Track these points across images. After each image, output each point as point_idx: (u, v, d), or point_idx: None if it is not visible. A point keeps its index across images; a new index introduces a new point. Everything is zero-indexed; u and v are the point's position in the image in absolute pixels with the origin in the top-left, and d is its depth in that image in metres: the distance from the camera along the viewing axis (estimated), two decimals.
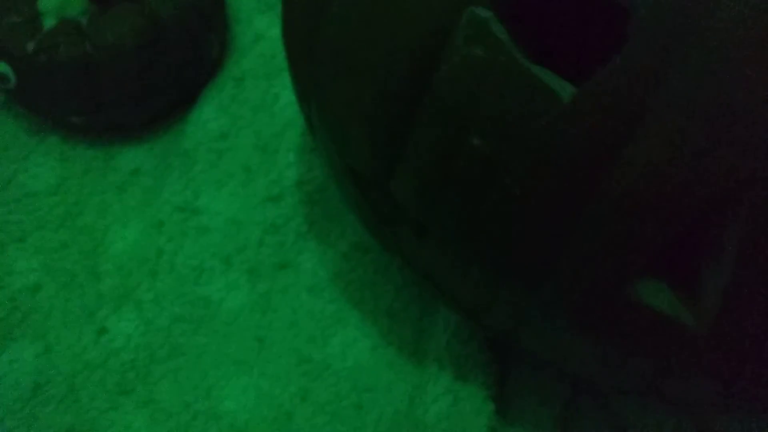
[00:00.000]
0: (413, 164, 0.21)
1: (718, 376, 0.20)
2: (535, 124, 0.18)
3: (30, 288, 0.34)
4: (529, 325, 0.24)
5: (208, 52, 0.38)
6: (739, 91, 0.16)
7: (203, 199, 0.36)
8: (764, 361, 0.19)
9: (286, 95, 0.38)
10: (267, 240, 0.35)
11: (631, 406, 0.29)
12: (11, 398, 0.31)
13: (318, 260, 0.34)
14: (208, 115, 0.37)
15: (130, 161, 0.37)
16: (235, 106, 0.38)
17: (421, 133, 0.21)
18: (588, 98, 0.17)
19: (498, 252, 0.21)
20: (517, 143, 0.19)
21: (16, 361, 0.32)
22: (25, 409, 0.31)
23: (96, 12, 0.35)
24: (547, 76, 0.18)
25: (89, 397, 0.31)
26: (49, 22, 0.35)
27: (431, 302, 0.32)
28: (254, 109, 0.38)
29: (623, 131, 0.17)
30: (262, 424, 0.30)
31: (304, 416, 0.30)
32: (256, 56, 0.39)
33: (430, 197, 0.21)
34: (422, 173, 0.21)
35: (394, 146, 0.22)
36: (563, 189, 0.18)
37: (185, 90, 0.38)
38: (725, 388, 0.20)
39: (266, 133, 0.37)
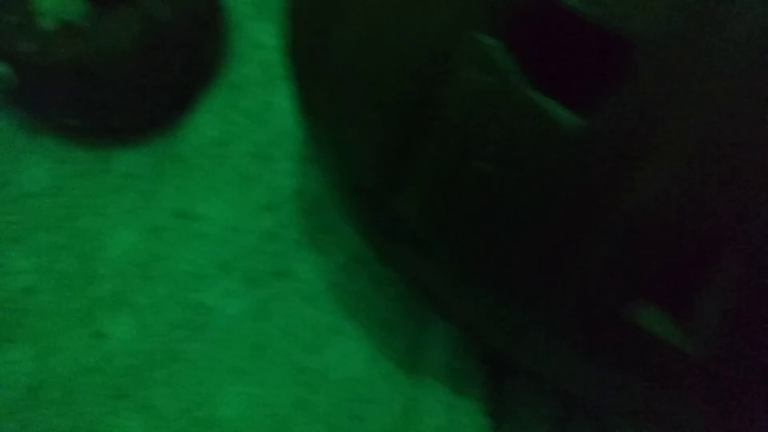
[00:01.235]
0: (419, 184, 0.22)
1: (711, 401, 0.21)
2: (538, 153, 0.19)
3: (26, 290, 0.34)
4: (527, 343, 0.25)
5: (205, 58, 0.38)
6: (738, 130, 0.17)
7: (200, 205, 0.36)
8: (757, 388, 0.20)
9: (283, 104, 0.38)
10: (264, 248, 0.35)
11: (625, 425, 0.30)
12: (8, 400, 0.31)
13: (315, 270, 0.35)
14: (205, 121, 0.38)
15: (126, 165, 0.38)
16: (231, 113, 0.38)
17: (426, 155, 0.21)
18: (591, 131, 0.18)
19: (501, 273, 0.22)
20: (521, 169, 0.19)
21: (12, 362, 0.32)
22: (21, 411, 0.31)
23: (94, 15, 0.35)
24: (551, 106, 0.19)
25: (86, 401, 0.31)
26: (46, 24, 0.35)
27: (426, 315, 0.33)
28: (251, 117, 0.38)
29: (625, 164, 0.18)
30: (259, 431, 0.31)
31: (301, 425, 0.31)
32: (254, 64, 0.39)
33: (434, 217, 0.22)
34: (427, 193, 0.22)
35: (400, 165, 0.23)
36: (566, 215, 0.19)
37: (181, 95, 0.38)
38: (718, 412, 0.21)
39: (263, 141, 0.37)
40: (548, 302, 0.21)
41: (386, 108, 0.22)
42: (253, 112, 0.38)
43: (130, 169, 0.37)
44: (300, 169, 0.37)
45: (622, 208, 0.19)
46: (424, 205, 0.22)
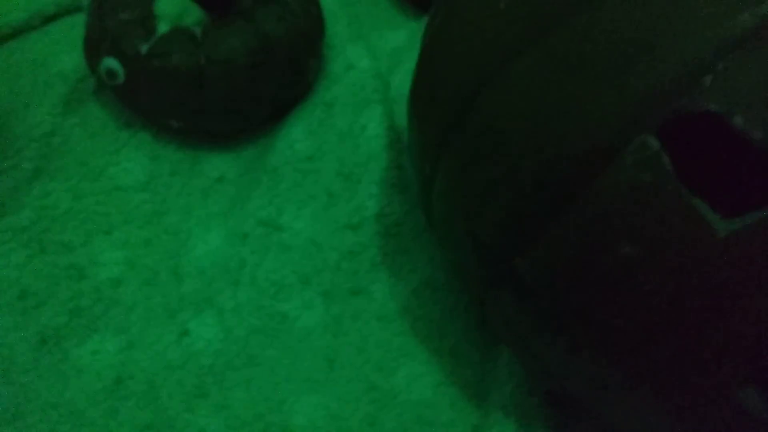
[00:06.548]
0: (551, 251, 0.23)
1: None
2: (688, 249, 0.20)
3: (113, 280, 0.34)
4: (611, 398, 0.26)
5: (305, 76, 0.38)
6: None
7: (286, 216, 0.37)
8: None
9: (372, 128, 0.39)
10: (343, 265, 0.36)
11: None
12: (95, 389, 0.31)
13: (389, 292, 0.35)
14: (297, 135, 0.38)
15: (215, 168, 0.38)
16: (322, 130, 0.39)
17: (568, 228, 0.22)
18: (741, 239, 0.19)
19: (617, 344, 0.23)
20: (667, 260, 0.20)
21: (98, 352, 0.32)
22: (107, 400, 0.31)
23: (210, 25, 0.35)
24: (704, 209, 0.20)
25: (168, 396, 0.32)
26: (162, 27, 0.35)
27: (493, 348, 0.34)
28: (340, 136, 0.39)
29: (761, 270, 0.19)
30: None
31: None
32: (346, 85, 0.40)
33: (561, 282, 0.23)
34: (559, 261, 0.23)
35: (529, 231, 0.24)
36: (700, 308, 0.20)
37: (278, 107, 0.38)
38: None
39: (350, 161, 0.38)
40: (659, 380, 0.22)
41: (533, 180, 0.22)
42: (343, 132, 0.39)
43: (220, 172, 0.38)
44: (384, 192, 0.37)
45: (753, 311, 0.20)
46: (553, 270, 0.23)
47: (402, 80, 0.40)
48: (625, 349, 0.23)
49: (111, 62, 0.35)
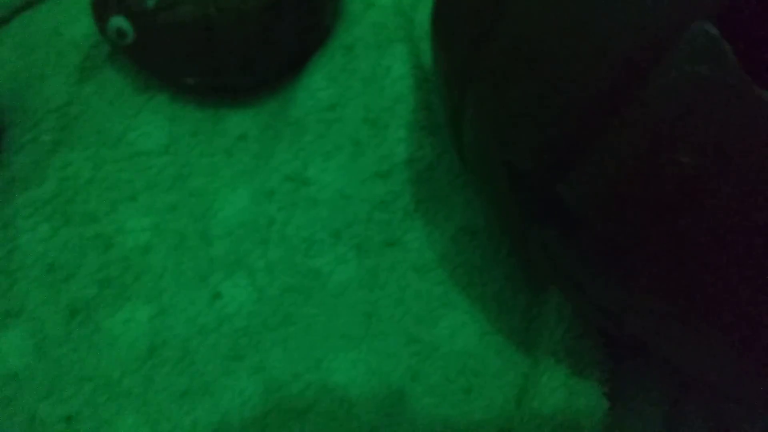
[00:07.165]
0: (598, 172, 0.20)
1: None
2: (758, 150, 0.17)
3: (141, 248, 0.33)
4: (670, 333, 0.23)
5: (322, 19, 0.36)
6: None
7: (312, 169, 0.35)
8: None
9: (397, 69, 0.36)
10: (375, 216, 0.34)
11: (738, 411, 0.29)
12: (129, 358, 0.30)
13: (425, 241, 0.33)
14: (318, 84, 0.36)
15: (237, 126, 0.36)
16: (344, 76, 0.36)
17: (615, 144, 0.19)
18: None
19: (678, 270, 0.20)
20: (733, 167, 0.17)
21: (130, 320, 0.31)
22: (142, 369, 0.30)
23: None
24: None
25: (204, 361, 0.31)
26: None
27: (539, 292, 0.32)
28: (364, 81, 0.36)
29: None
30: (373, 400, 0.30)
31: (415, 396, 0.30)
32: (367, 25, 0.37)
33: (611, 206, 0.20)
34: (608, 183, 0.20)
35: (573, 151, 0.21)
36: None
37: (296, 56, 0.36)
38: None
39: (376, 106, 0.36)
40: (726, 312, 0.20)
41: (572, 93, 0.20)
42: (366, 76, 0.36)
43: (242, 130, 0.36)
44: (414, 136, 0.35)
45: None
46: (600, 193, 0.20)
47: (426, 16, 0.37)
48: (688, 276, 0.20)
49: (119, 21, 0.33)
